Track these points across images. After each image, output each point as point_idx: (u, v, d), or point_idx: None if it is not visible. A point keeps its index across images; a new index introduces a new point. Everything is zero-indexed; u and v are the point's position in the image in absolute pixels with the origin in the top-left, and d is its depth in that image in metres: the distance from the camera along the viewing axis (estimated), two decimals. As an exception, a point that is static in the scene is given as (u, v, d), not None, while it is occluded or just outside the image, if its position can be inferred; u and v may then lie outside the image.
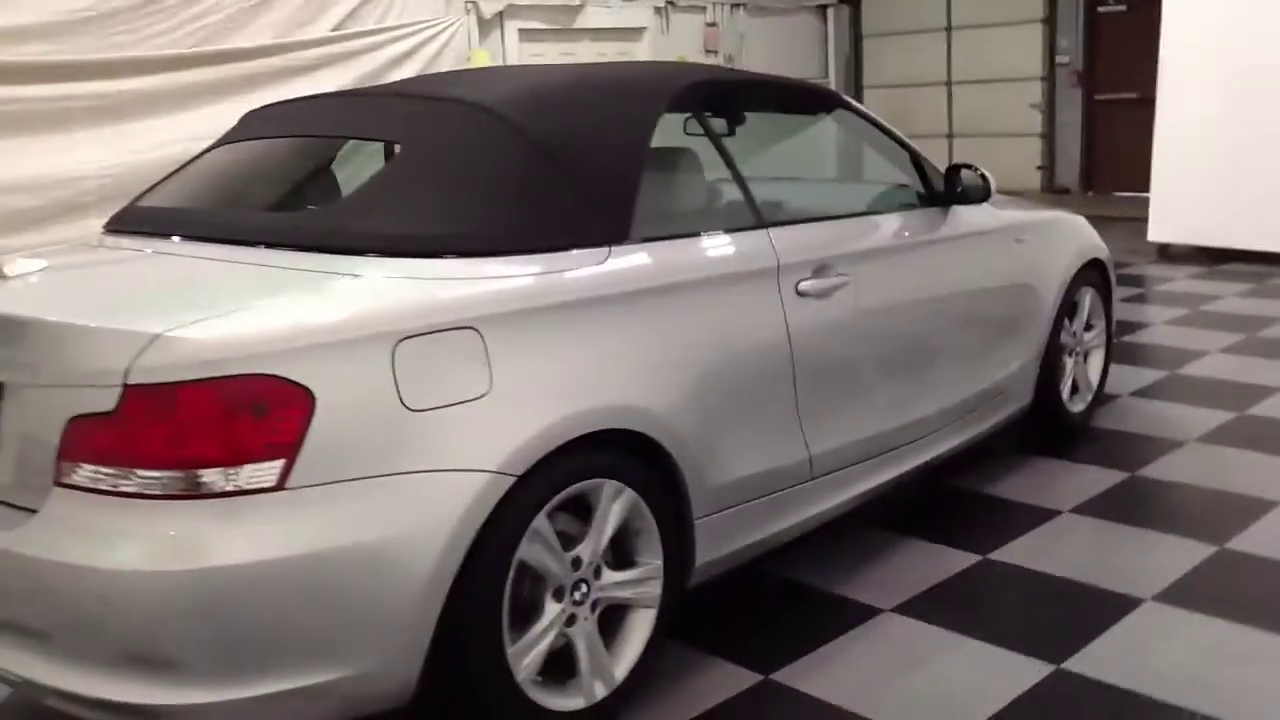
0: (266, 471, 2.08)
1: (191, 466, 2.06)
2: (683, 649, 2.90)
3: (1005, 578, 3.35)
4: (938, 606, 3.16)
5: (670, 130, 3.12)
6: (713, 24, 13.27)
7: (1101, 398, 4.76)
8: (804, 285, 3.09)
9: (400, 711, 2.34)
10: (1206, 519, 3.66)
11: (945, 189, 3.76)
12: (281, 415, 2.10)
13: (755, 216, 3.13)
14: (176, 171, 3.27)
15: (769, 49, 13.82)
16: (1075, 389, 4.53)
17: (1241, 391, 5.03)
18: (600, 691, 2.58)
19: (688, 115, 3.19)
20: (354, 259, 2.46)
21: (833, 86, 13.49)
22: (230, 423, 2.08)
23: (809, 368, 3.09)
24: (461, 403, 2.30)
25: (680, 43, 13.00)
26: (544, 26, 11.74)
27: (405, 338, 2.25)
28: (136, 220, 3.02)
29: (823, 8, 14.46)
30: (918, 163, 3.77)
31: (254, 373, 2.09)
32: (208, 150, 3.30)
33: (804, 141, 3.39)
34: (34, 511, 2.18)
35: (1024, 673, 2.79)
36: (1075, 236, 4.50)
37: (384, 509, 2.18)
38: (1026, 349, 4.14)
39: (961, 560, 3.44)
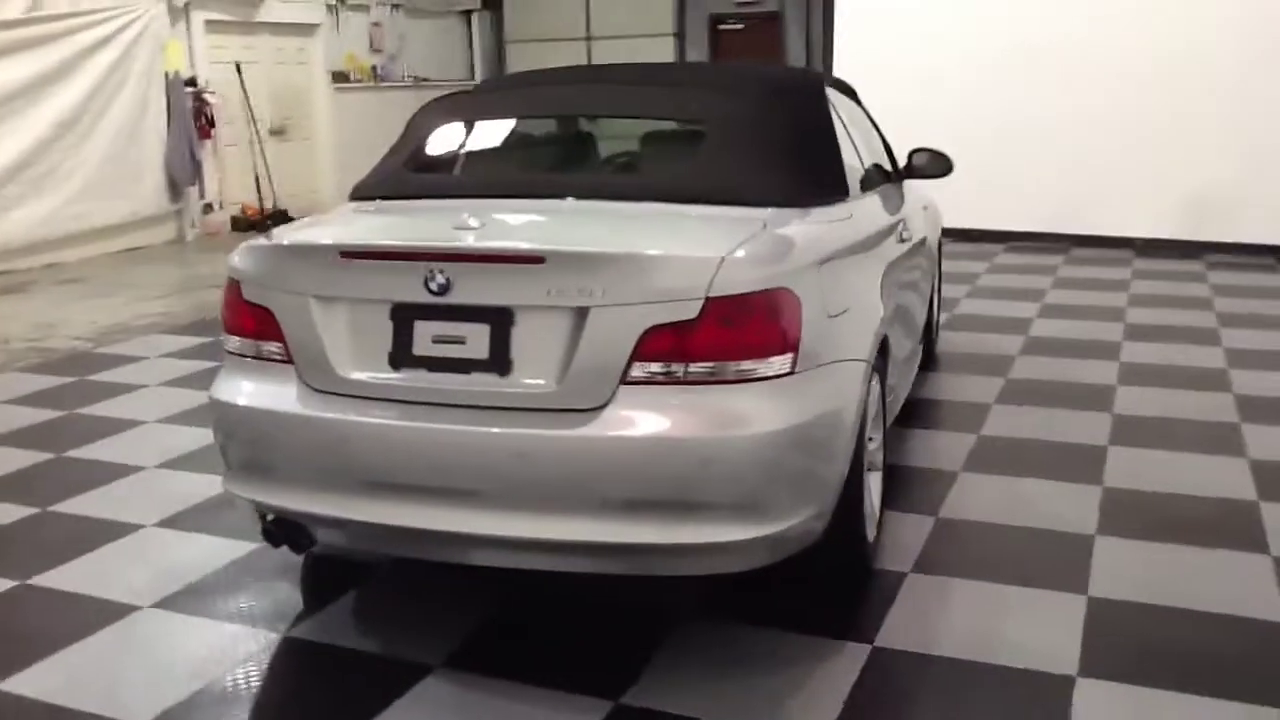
0: (785, 361, 2.79)
1: (744, 358, 2.73)
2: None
3: (991, 448, 4.60)
4: (986, 464, 4.36)
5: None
6: (377, 24, 13.64)
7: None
8: (903, 233, 4.15)
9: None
10: (1085, 398, 5.15)
11: (906, 166, 4.96)
12: (790, 318, 2.82)
13: (866, 183, 4.13)
14: (417, 152, 3.68)
15: (424, 49, 14.44)
16: (929, 324, 5.94)
17: (1013, 323, 6.73)
18: (873, 530, 3.48)
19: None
20: (736, 208, 3.16)
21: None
22: (767, 324, 2.77)
23: (896, 293, 4.15)
24: (844, 312, 3.11)
25: (349, 39, 13.27)
26: (228, 19, 11.60)
27: (824, 261, 3.04)
28: (453, 186, 3.58)
29: (467, 13, 15.25)
30: (886, 144, 4.93)
31: (778, 287, 2.80)
32: (418, 132, 3.73)
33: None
34: (597, 409, 2.72)
35: (1094, 501, 4.03)
36: (934, 206, 5.89)
37: (832, 387, 2.96)
38: (932, 292, 5.46)
39: (962, 441, 4.65)
